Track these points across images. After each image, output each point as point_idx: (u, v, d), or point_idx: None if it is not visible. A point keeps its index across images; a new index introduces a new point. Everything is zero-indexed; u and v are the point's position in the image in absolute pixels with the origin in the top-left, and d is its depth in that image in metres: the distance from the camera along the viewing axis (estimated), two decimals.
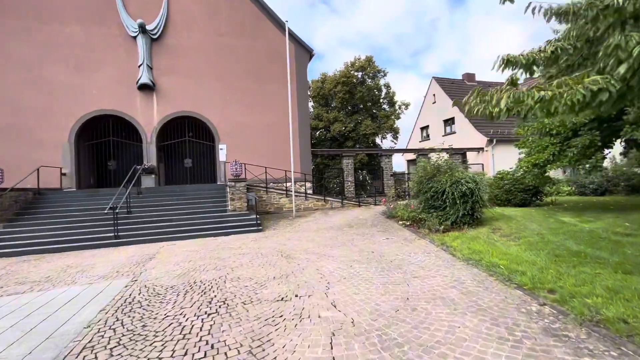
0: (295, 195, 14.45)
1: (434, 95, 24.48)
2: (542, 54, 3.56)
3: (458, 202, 7.79)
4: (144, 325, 3.60)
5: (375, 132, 36.58)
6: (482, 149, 19.79)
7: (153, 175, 13.48)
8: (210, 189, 12.93)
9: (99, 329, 3.59)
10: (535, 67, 3.84)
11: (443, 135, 23.43)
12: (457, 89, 23.69)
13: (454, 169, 8.83)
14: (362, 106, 38.51)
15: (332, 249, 6.93)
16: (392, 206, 11.65)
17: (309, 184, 15.68)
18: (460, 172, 8.60)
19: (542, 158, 8.49)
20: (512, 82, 3.60)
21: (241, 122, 15.06)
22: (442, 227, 7.80)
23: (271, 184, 14.74)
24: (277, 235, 9.39)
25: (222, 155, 14.68)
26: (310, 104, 39.48)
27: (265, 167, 14.11)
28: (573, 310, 3.19)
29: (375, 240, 7.65)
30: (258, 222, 10.53)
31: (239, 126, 15.02)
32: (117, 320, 3.82)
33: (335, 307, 3.76)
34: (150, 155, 13.98)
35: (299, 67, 15.99)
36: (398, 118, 39.32)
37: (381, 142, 39.56)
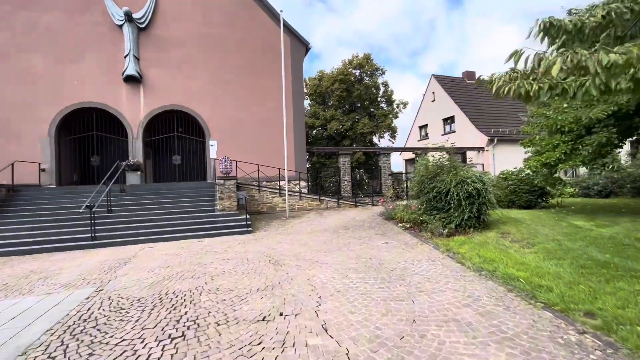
0: (289, 195, 13.78)
1: (433, 93, 23.91)
2: (591, 19, 2.87)
3: (463, 203, 7.17)
4: (90, 354, 2.92)
5: (373, 131, 36.01)
6: (482, 148, 19.23)
7: (139, 172, 12.73)
8: (199, 187, 12.22)
9: (35, 358, 2.91)
10: (580, 37, 3.16)
11: (442, 135, 22.85)
12: (457, 87, 23.14)
13: (458, 167, 8.21)
14: (359, 105, 37.92)
15: (326, 255, 6.27)
16: (390, 207, 11.02)
17: (303, 183, 15.00)
18: (465, 171, 7.98)
19: (553, 157, 7.88)
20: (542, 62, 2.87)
21: (233, 118, 14.35)
22: (446, 230, 7.17)
23: (264, 182, 14.06)
24: (268, 237, 8.71)
25: (212, 151, 13.97)
26: (307, 102, 38.79)
27: (258, 165, 13.42)
28: (624, 342, 2.56)
29: (373, 244, 7.00)
30: (248, 222, 9.85)
31: (231, 121, 14.31)
32: (62, 345, 3.13)
33: (326, 331, 3.10)
34: (137, 151, 13.24)
35: (295, 61, 15.31)
36: (396, 117, 38.85)
37: (378, 141, 38.98)
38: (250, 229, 9.70)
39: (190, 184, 12.85)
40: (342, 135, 37.05)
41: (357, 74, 37.71)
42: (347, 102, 36.72)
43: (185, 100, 13.83)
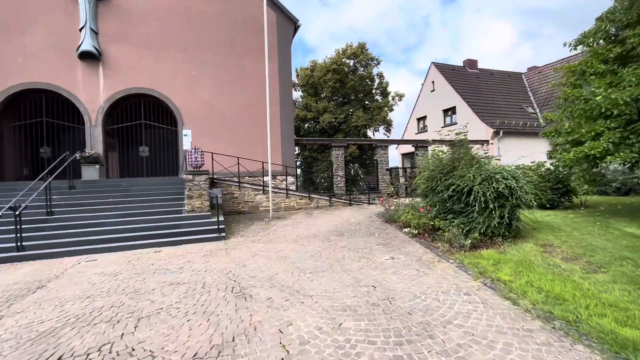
0: (274, 192, 12.06)
1: (432, 82, 22.28)
2: None
3: (492, 205, 5.54)
4: None
5: (367, 124, 34.32)
6: (486, 141, 17.72)
7: (97, 166, 10.85)
8: (167, 184, 10.40)
9: None
10: None
11: (442, 127, 21.27)
12: (458, 76, 21.56)
13: (481, 160, 6.60)
14: (353, 97, 36.18)
15: (311, 278, 4.59)
16: (391, 207, 9.39)
17: (291, 179, 13.28)
18: (491, 165, 6.37)
19: (598, 147, 6.29)
20: None
21: (210, 104, 12.50)
22: (469, 241, 5.55)
23: (246, 177, 12.29)
24: (242, 246, 7.00)
25: (186, 142, 12.13)
26: (299, 93, 36.93)
27: (238, 158, 11.63)
28: None
29: (375, 260, 5.35)
30: (220, 227, 8.12)
31: (208, 108, 12.47)
32: None
33: None
34: (96, 140, 11.33)
35: (282, 40, 13.49)
36: (391, 110, 37.16)
37: (373, 134, 37.30)
38: (222, 234, 7.97)
39: (158, 179, 11.03)
40: (335, 128, 35.31)
41: (352, 64, 35.94)
42: (340, 94, 34.94)
43: (153, 82, 11.92)
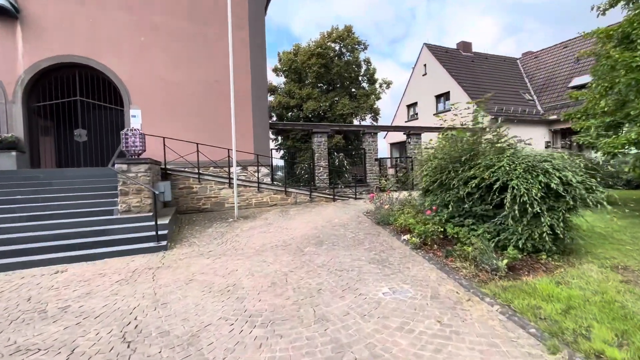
0: (244, 186, 10.06)
1: (424, 65, 20.52)
2: None
3: (539, 208, 3.77)
4: None
5: (354, 112, 32.42)
6: (483, 129, 16.14)
7: (14, 153, 8.58)
8: (103, 176, 8.23)
9: None
10: None
11: (434, 114, 19.63)
12: (451, 59, 19.87)
13: (517, 145, 4.89)
14: (339, 84, 34.19)
15: (261, 342, 2.71)
16: (385, 206, 7.59)
17: (265, 170, 11.29)
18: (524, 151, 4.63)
19: None
20: None
21: (165, 79, 10.29)
22: (505, 261, 3.77)
23: (211, 168, 10.25)
24: (183, 262, 5.04)
25: (134, 124, 9.92)
26: (282, 79, 34.55)
27: (197, 144, 9.53)
28: None
29: (368, 295, 3.51)
30: (161, 233, 6.11)
31: (162, 84, 10.26)
32: None
33: None
34: (14, 120, 8.99)
35: (254, 5, 11.32)
36: (378, 98, 35.37)
37: (360, 123, 35.60)
38: (163, 243, 5.96)
39: (92, 170, 8.84)
40: (320, 116, 33.21)
41: (337, 48, 33.81)
42: (325, 80, 32.82)
43: (92, 50, 9.60)
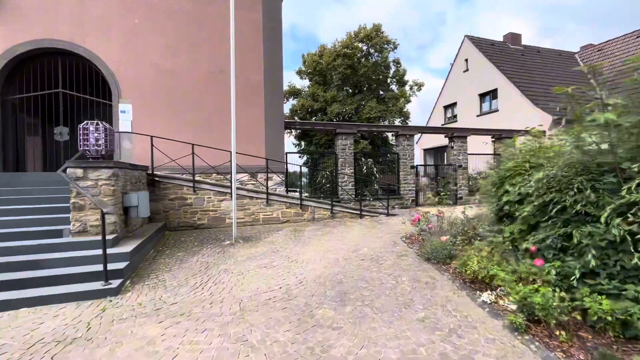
0: (250, 197, 8.16)
1: (466, 61, 18.00)
2: None
3: None
4: None
5: (382, 115, 30.15)
6: (542, 132, 13.42)
7: None
8: (66, 183, 6.56)
9: None
10: None
11: (478, 115, 17.03)
12: (498, 52, 17.24)
13: None
14: (366, 86, 32.12)
15: None
16: (443, 238, 5.38)
17: (278, 178, 9.36)
18: None
19: None
20: None
21: (161, 67, 8.68)
22: None
23: (214, 175, 8.49)
24: (120, 331, 3.10)
25: (124, 121, 8.35)
26: (306, 82, 33.00)
27: (193, 145, 7.74)
28: None
29: None
30: (116, 267, 4.25)
31: (157, 74, 8.65)
32: None
33: None
34: None
35: None
36: (409, 101, 33.03)
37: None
38: (113, 283, 4.08)
39: (53, 175, 7.23)
40: (345, 120, 31.27)
41: (365, 49, 31.81)
42: (351, 82, 30.86)
43: (76, 34, 8.15)
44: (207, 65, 9.06)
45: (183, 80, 8.86)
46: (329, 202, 8.77)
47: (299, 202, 8.49)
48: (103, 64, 8.30)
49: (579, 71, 18.66)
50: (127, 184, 5.79)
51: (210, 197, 7.83)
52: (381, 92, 32.15)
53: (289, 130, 30.55)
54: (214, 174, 8.63)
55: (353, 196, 10.39)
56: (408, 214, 9.52)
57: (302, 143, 30.99)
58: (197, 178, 7.87)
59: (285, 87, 33.71)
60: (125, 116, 8.39)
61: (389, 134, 33.14)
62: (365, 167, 11.53)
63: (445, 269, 4.44)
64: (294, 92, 32.60)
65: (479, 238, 4.61)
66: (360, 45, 31.34)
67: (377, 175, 12.13)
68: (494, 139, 13.27)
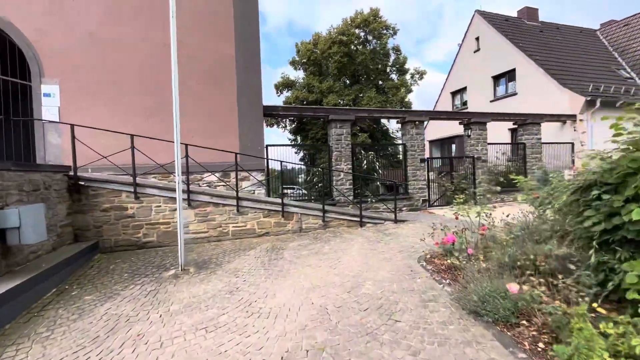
0: (214, 204, 6.19)
1: (476, 39, 15.93)
2: None
3: None
4: None
5: (382, 106, 28.22)
6: (572, 117, 11.43)
7: None
8: None
9: None
10: None
11: (492, 101, 15.00)
12: (515, 29, 15.18)
13: None
14: (364, 76, 30.06)
15: None
16: (514, 288, 3.38)
17: (255, 177, 7.40)
18: None
19: None
20: None
21: (99, 37, 6.69)
22: None
23: (172, 176, 6.53)
24: None
25: (48, 108, 6.37)
26: (301, 73, 30.96)
27: (132, 136, 5.74)
28: None
29: None
30: None
31: (95, 46, 6.67)
32: None
33: None
34: None
35: None
36: (410, 91, 31.00)
37: (387, 120, 31.20)
38: None
39: None
40: None
41: (362, 35, 29.69)
42: (348, 71, 28.81)
43: None
44: (162, 35, 7.05)
45: (130, 54, 6.87)
46: (320, 208, 6.79)
47: (280, 208, 6.51)
48: (18, 33, 6.29)
49: (604, 49, 16.67)
50: (5, 193, 3.81)
51: (159, 206, 5.86)
52: (380, 82, 30.08)
53: (275, 121, 28.52)
54: (172, 175, 6.66)
55: (351, 197, 8.42)
56: (421, 218, 7.56)
57: (299, 138, 28.99)
58: (142, 180, 5.90)
59: (279, 79, 31.63)
60: (50, 101, 6.40)
61: (392, 124, 30.94)
62: (365, 161, 9.54)
63: (515, 340, 2.49)
64: (288, 84, 30.50)
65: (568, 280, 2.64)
66: (357, 31, 29.21)
67: (379, 171, 10.15)
68: (516, 126, 11.29)
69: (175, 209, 5.94)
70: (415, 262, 4.51)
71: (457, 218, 4.75)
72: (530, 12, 16.35)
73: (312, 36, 30.68)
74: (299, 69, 31.55)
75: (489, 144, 10.17)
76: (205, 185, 7.18)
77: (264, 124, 8.53)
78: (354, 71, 29.17)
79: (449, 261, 4.07)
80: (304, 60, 30.32)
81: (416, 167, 9.25)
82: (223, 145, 7.09)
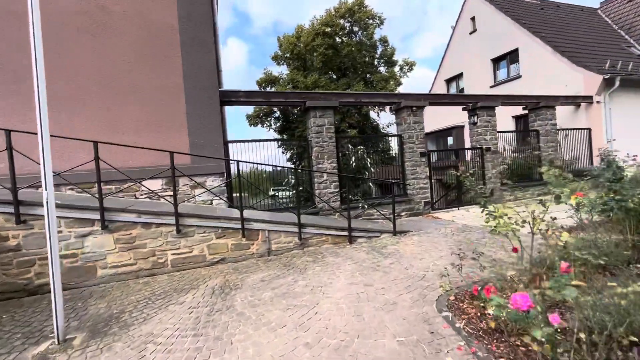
0: (145, 224, 4.41)
1: (472, 20, 14.42)
2: None
3: None
4: None
5: (370, 101, 26.63)
6: (587, 99, 9.97)
7: None
8: None
9: None
10: None
11: (492, 86, 13.51)
12: (515, 6, 13.71)
13: None
14: (351, 69, 28.42)
15: None
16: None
17: (213, 181, 5.66)
18: None
19: None
20: None
21: None
22: None
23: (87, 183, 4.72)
24: None
25: None
26: (284, 69, 29.19)
27: (8, 132, 3.94)
28: None
29: None
30: None
31: None
32: None
33: None
34: None
35: None
36: (399, 83, 29.49)
37: (377, 114, 29.67)
38: None
39: None
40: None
41: (347, 26, 28.05)
42: (334, 64, 27.13)
43: None
44: None
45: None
46: (295, 222, 5.07)
47: (239, 224, 4.77)
48: None
49: (609, 27, 15.42)
50: None
51: (61, 231, 4.06)
52: (368, 75, 28.49)
53: (259, 120, 26.61)
54: (94, 183, 4.88)
55: (338, 203, 6.74)
56: (427, 226, 5.91)
57: (284, 136, 27.25)
58: (30, 196, 4.10)
59: (261, 75, 29.76)
60: None
61: (383, 118, 29.35)
62: (353, 158, 7.82)
63: None
64: (271, 80, 28.66)
65: None
66: (342, 22, 27.57)
67: (371, 169, 8.47)
68: (526, 111, 9.78)
69: (88, 233, 4.16)
70: (434, 309, 2.85)
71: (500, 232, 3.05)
72: None
73: (294, 29, 28.92)
74: (282, 64, 29.80)
75: (498, 132, 8.61)
76: (144, 197, 5.42)
77: (223, 116, 6.81)
78: (340, 64, 27.53)
79: (492, 310, 2.40)
80: (287, 55, 28.60)
81: (415, 163, 7.61)
82: (164, 143, 5.34)
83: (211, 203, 5.85)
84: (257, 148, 6.55)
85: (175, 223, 4.43)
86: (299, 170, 6.93)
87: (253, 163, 6.20)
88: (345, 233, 5.34)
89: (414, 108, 7.57)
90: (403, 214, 7.36)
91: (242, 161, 5.55)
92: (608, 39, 13.24)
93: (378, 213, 6.73)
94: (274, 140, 6.22)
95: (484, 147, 8.33)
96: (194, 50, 5.82)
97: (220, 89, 6.04)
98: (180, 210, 4.50)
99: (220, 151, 5.95)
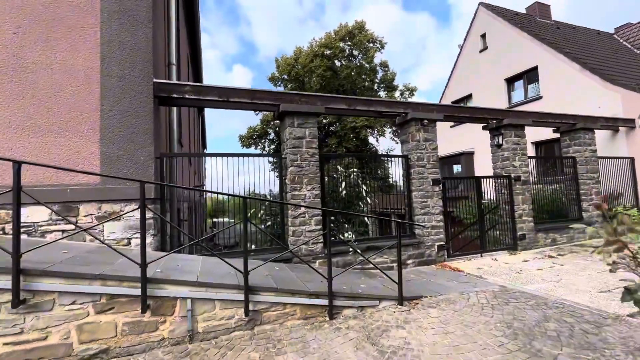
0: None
1: (482, 37, 13.13)
2: None
3: None
4: None
5: (370, 125, 25.29)
6: (629, 122, 8.31)
7: None
8: None
9: None
10: None
11: (509, 106, 11.97)
12: (529, 25, 12.46)
13: None
14: (350, 93, 27.26)
15: None
16: None
17: (134, 214, 3.74)
18: None
19: None
20: None
21: None
22: None
23: None
24: None
25: None
26: (281, 88, 28.04)
27: None
28: None
29: None
30: None
31: None
32: None
33: None
34: None
35: None
36: None
37: (376, 140, 28.20)
38: None
39: None
40: (325, 132, 26.11)
41: (347, 48, 27.22)
42: (332, 87, 25.99)
43: None
44: None
45: None
46: (240, 285, 3.09)
47: (138, 288, 2.80)
48: None
49: (631, 51, 14.20)
50: None
51: None
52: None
53: (253, 141, 25.08)
54: None
55: (320, 246, 4.79)
56: (449, 286, 3.87)
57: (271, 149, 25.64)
58: None
59: None
60: None
61: (382, 143, 27.85)
62: (344, 183, 5.91)
63: None
64: None
65: None
66: (341, 45, 26.78)
67: (367, 198, 6.54)
68: (557, 134, 8.06)
69: None
70: None
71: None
72: (541, 8, 13.77)
73: (293, 51, 28.07)
74: (279, 85, 28.68)
75: (529, 157, 6.82)
76: (29, 228, 3.47)
77: (170, 119, 5.02)
78: (338, 87, 26.41)
79: None
80: (284, 76, 27.59)
81: (426, 193, 5.73)
82: (58, 151, 3.49)
83: (129, 243, 3.91)
84: (241, 164, 4.61)
85: (12, 287, 2.45)
86: (267, 201, 5.02)
87: (183, 188, 4.29)
88: (324, 301, 3.36)
89: (425, 121, 5.80)
90: (409, 262, 5.40)
91: (168, 185, 3.65)
92: (635, 61, 11.87)
93: (377, 258, 4.75)
94: (217, 155, 4.35)
95: (512, 175, 6.50)
96: (119, 24, 4.10)
97: (155, 80, 4.26)
98: (33, 259, 2.55)
99: (148, 167, 4.07)
